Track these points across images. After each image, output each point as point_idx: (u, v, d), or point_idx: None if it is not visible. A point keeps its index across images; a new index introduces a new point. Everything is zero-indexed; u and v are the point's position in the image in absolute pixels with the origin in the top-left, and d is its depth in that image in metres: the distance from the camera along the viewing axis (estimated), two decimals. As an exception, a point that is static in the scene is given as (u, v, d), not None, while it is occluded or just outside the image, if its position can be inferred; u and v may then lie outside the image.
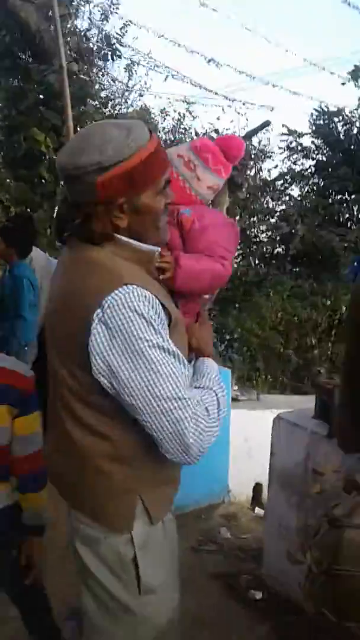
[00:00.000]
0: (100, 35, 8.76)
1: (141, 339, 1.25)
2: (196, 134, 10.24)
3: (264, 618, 2.88)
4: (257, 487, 4.54)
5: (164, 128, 12.66)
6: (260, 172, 11.82)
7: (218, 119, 20.87)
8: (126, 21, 9.17)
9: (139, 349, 1.26)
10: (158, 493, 1.47)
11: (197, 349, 1.57)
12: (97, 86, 9.75)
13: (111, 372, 1.28)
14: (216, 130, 10.86)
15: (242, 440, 4.29)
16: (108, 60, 9.04)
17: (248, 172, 7.88)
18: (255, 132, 8.22)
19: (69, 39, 8.55)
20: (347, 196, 12.33)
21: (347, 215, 12.35)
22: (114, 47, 8.75)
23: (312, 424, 2.77)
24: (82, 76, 7.80)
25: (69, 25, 8.90)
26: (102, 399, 1.34)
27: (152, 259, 1.46)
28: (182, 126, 12.47)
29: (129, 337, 1.25)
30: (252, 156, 7.97)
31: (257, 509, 4.38)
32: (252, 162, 8.34)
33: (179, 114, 12.38)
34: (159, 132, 12.45)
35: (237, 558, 3.55)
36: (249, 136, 8.20)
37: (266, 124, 7.68)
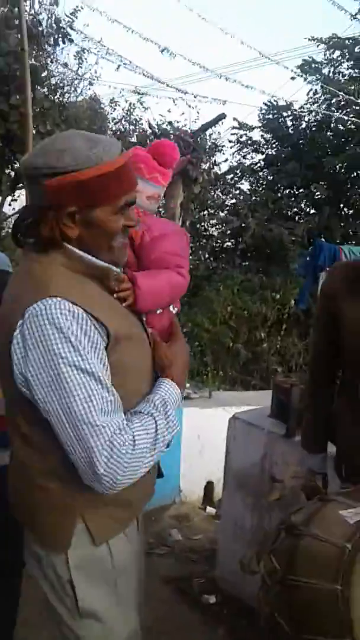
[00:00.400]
0: (50, 19, 8.45)
1: (57, 355, 1.18)
2: (150, 126, 10.05)
3: (218, 622, 2.81)
4: (209, 486, 4.48)
5: (113, 118, 12.42)
6: (215, 166, 11.77)
7: (169, 111, 20.83)
8: (77, 5, 8.92)
9: (54, 366, 1.19)
10: (102, 514, 1.38)
11: (159, 368, 1.45)
12: (45, 72, 9.43)
13: (29, 385, 1.22)
14: (170, 123, 10.71)
15: (194, 438, 4.21)
16: (58, 45, 8.72)
17: (202, 165, 7.81)
18: (210, 125, 8.16)
19: (16, 21, 8.19)
20: (295, 191, 12.46)
21: (295, 210, 12.48)
22: (64, 31, 8.43)
23: (269, 424, 2.71)
24: (32, 61, 7.48)
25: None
26: (35, 412, 1.26)
27: (108, 276, 1.38)
28: (132, 117, 12.27)
29: (45, 352, 1.19)
30: (207, 150, 7.91)
31: (208, 508, 4.32)
32: (206, 156, 8.27)
33: (130, 104, 12.18)
34: (109, 122, 12.20)
35: (189, 561, 3.46)
36: (203, 129, 8.14)
37: (221, 117, 7.63)
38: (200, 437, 4.27)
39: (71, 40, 8.95)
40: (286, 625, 1.34)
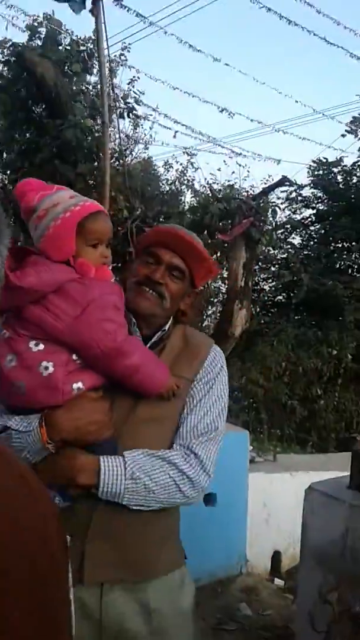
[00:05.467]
0: (109, 90, 8.89)
1: None
2: (211, 190, 10.29)
3: None
4: (276, 556, 4.30)
5: (167, 180, 12.77)
6: (275, 226, 11.88)
7: (219, 169, 21.25)
8: (134, 75, 9.32)
9: None
10: None
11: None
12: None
13: None
14: (231, 186, 10.93)
15: (260, 505, 4.07)
16: (124, 118, 9.09)
17: (266, 227, 7.92)
18: (272, 188, 8.29)
19: (81, 96, 8.66)
20: (348, 244, 12.37)
21: (348, 263, 12.35)
22: (130, 105, 8.83)
23: (349, 496, 2.58)
24: (96, 134, 7.85)
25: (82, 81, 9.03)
26: None
27: None
28: (185, 177, 12.58)
29: None
30: (270, 213, 8.02)
31: (276, 580, 4.13)
32: (270, 218, 8.38)
33: (181, 164, 12.51)
34: (162, 183, 12.54)
35: (261, 638, 3.28)
36: (265, 192, 8.26)
37: (283, 180, 7.75)
38: (267, 504, 4.13)
39: (137, 116, 9.33)
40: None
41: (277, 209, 9.05)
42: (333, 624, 1.42)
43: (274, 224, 10.64)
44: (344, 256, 12.21)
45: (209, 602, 3.58)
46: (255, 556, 4.14)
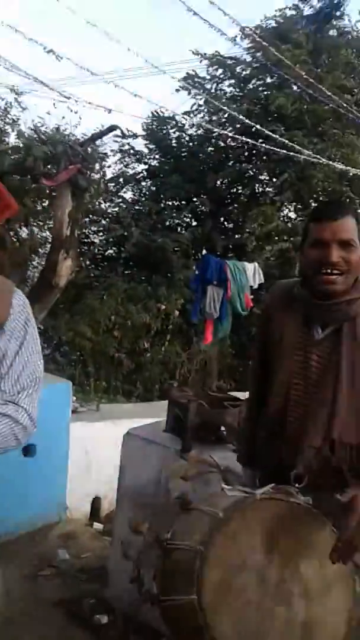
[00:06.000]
0: None
1: None
2: (35, 131, 9.70)
3: (111, 644, 2.75)
4: (96, 501, 4.39)
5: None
6: (105, 177, 11.64)
7: (49, 113, 20.23)
8: None
9: None
10: None
11: None
12: None
13: None
14: (57, 129, 10.42)
15: (82, 454, 4.11)
16: None
17: (94, 175, 7.73)
18: (100, 135, 8.07)
19: None
20: (178, 203, 12.69)
21: (178, 222, 12.70)
22: None
23: (165, 439, 2.71)
24: None
25: None
26: None
27: None
28: (8, 116, 11.74)
29: None
30: (97, 160, 7.82)
31: (95, 525, 4.23)
32: (97, 166, 8.18)
33: (7, 102, 11.65)
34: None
35: (78, 581, 3.36)
36: (93, 139, 8.02)
37: (112, 128, 7.59)
38: (89, 453, 4.18)
39: None
40: (155, 589, 1.50)
41: (106, 158, 8.92)
42: (143, 551, 1.51)
43: (101, 173, 10.50)
44: (174, 214, 12.52)
45: (26, 551, 3.55)
46: (75, 503, 4.19)
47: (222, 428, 2.76)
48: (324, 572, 1.42)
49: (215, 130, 11.77)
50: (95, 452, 4.19)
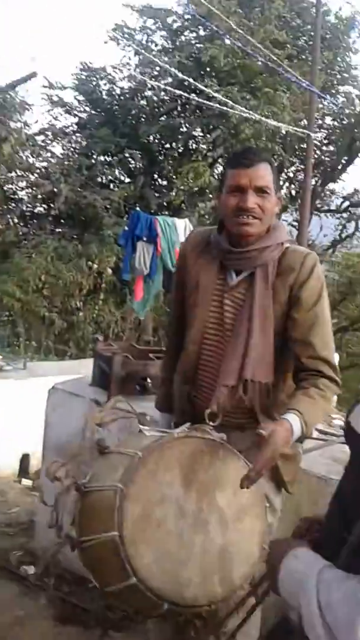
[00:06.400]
0: None
1: None
2: None
3: (39, 592, 2.77)
4: (25, 458, 4.37)
5: None
6: (27, 126, 11.11)
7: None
8: None
9: None
10: None
11: None
12: None
13: None
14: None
15: (9, 411, 4.04)
16: None
17: (12, 124, 7.33)
18: (19, 82, 7.67)
19: None
20: (109, 158, 12.36)
21: (109, 178, 12.40)
22: None
23: (90, 392, 2.69)
24: None
25: None
26: None
27: None
28: None
29: None
30: (16, 108, 7.41)
31: (24, 481, 4.22)
32: (17, 115, 7.76)
33: None
34: None
35: (6, 535, 3.35)
36: (12, 86, 7.62)
37: (32, 75, 7.23)
38: (16, 410, 4.12)
39: None
40: (74, 532, 1.51)
41: (29, 107, 8.51)
42: (60, 496, 1.52)
43: (23, 123, 10.05)
44: (106, 170, 12.21)
45: None
46: (3, 460, 4.15)
47: (148, 380, 2.78)
48: (238, 500, 1.49)
49: (148, 82, 11.47)
50: (23, 409, 4.14)
